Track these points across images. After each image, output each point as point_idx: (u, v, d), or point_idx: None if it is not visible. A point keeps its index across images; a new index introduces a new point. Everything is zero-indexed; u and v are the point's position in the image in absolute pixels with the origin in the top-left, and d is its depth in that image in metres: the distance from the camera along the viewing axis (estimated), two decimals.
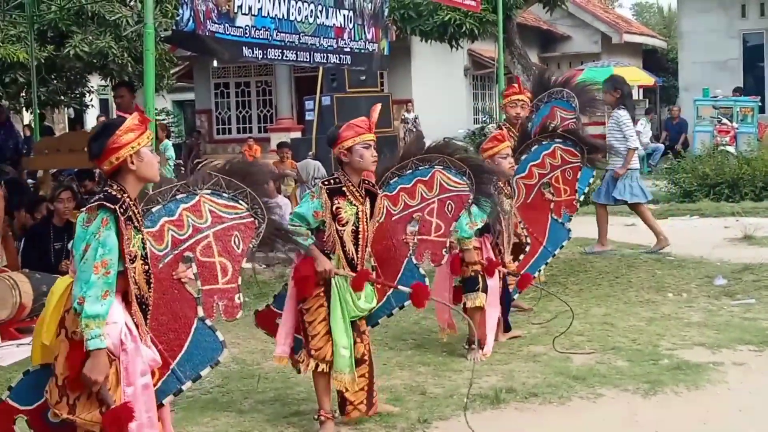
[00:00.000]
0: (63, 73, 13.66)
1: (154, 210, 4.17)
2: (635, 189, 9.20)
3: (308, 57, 8.35)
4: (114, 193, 3.63)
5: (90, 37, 11.73)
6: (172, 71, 16.02)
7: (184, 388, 4.16)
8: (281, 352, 4.98)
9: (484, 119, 24.09)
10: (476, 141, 16.75)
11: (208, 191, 4.31)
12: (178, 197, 4.24)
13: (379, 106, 4.97)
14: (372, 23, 9.38)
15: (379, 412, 5.00)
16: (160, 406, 3.97)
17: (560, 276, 8.49)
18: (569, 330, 6.52)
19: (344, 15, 8.82)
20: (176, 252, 4.19)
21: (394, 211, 5.27)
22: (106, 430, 3.55)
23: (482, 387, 5.48)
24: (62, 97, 14.49)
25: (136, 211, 3.72)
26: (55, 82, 13.81)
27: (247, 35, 7.46)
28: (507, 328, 6.62)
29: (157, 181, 3.95)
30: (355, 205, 4.82)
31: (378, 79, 18.46)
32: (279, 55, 7.96)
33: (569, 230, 7.40)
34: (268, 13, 7.69)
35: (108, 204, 3.55)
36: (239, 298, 4.33)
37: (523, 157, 7.14)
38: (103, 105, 24.75)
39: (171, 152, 13.05)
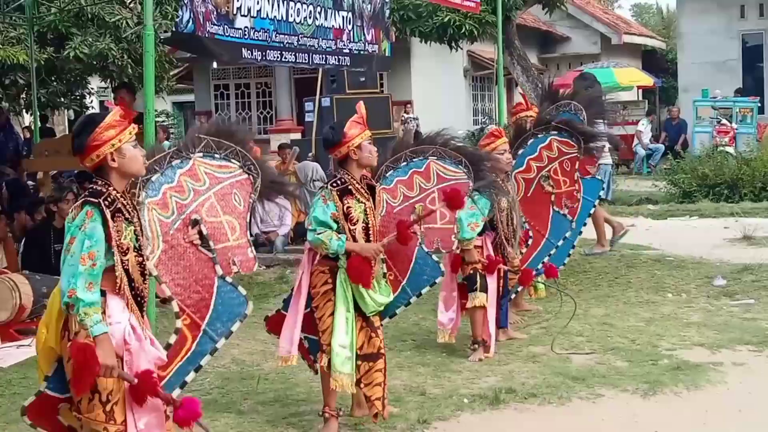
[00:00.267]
0: (63, 74, 13.68)
1: (153, 179, 4.20)
2: (606, 185, 9.27)
3: (307, 58, 8.35)
4: (98, 188, 3.61)
5: (90, 39, 11.75)
6: (171, 73, 16.04)
7: (218, 346, 4.23)
8: (286, 353, 4.96)
9: (483, 120, 24.08)
10: (476, 142, 16.72)
11: (201, 154, 4.41)
12: (173, 163, 4.31)
13: (361, 103, 4.97)
14: (372, 24, 9.37)
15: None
16: (198, 368, 4.14)
17: (560, 276, 8.47)
18: (569, 330, 6.53)
19: (343, 16, 8.82)
20: (183, 216, 4.25)
21: (395, 203, 5.31)
22: (136, 401, 3.58)
23: (482, 387, 5.49)
24: (62, 99, 14.50)
25: (125, 203, 3.67)
26: (55, 83, 13.83)
27: (246, 37, 7.47)
28: (502, 324, 6.61)
29: (143, 175, 3.94)
30: (362, 202, 4.85)
31: (378, 81, 18.43)
32: (278, 57, 7.96)
33: (580, 232, 7.43)
34: (267, 15, 7.70)
35: (92, 199, 3.55)
36: (252, 252, 4.48)
37: (520, 152, 7.16)
38: (103, 106, 24.76)
39: None
